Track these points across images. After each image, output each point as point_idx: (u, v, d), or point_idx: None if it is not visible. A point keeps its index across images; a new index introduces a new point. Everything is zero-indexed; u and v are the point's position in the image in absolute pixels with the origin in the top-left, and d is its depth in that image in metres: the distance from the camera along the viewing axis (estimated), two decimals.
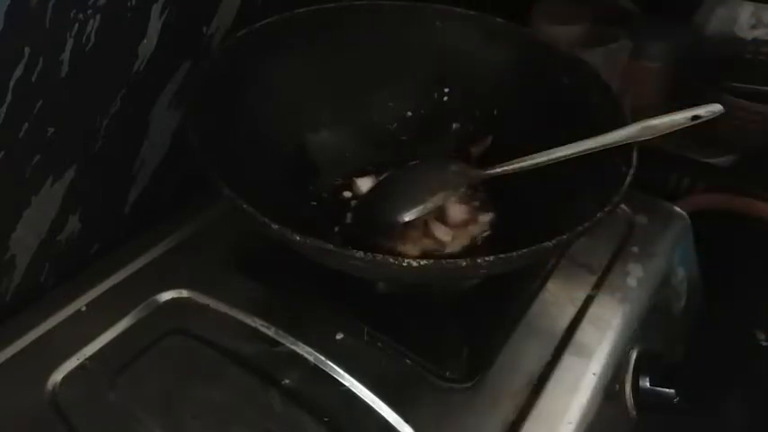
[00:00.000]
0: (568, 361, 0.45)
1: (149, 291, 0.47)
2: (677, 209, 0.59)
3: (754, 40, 0.77)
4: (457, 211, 0.51)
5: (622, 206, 0.56)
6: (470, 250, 0.49)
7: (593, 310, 0.49)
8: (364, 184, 0.53)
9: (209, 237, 0.53)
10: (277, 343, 0.44)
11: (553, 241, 0.36)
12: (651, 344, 0.51)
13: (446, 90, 0.57)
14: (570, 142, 0.44)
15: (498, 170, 0.47)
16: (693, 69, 0.73)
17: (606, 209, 0.38)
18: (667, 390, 0.48)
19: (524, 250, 0.36)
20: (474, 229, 0.51)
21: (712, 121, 0.43)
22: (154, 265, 0.50)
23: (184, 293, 0.48)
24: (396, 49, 0.55)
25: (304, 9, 0.52)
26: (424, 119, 0.57)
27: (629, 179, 0.40)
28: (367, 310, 0.46)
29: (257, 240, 0.48)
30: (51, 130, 0.44)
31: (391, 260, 0.35)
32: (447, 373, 0.44)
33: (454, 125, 0.57)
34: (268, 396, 0.42)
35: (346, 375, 0.42)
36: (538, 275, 0.51)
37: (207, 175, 0.38)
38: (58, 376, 0.42)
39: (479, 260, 0.36)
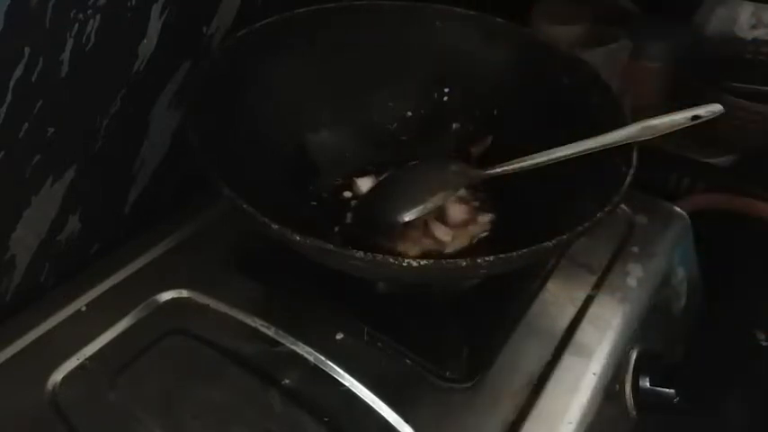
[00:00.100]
0: (568, 361, 0.45)
1: (149, 291, 0.47)
2: (677, 209, 0.59)
3: (754, 40, 0.77)
4: (457, 211, 0.51)
5: (622, 206, 0.56)
6: (470, 250, 0.49)
7: (593, 310, 0.49)
8: (364, 184, 0.53)
9: (209, 237, 0.53)
10: (277, 343, 0.44)
11: (553, 241, 0.36)
12: (651, 344, 0.51)
13: (446, 90, 0.57)
14: (570, 142, 0.44)
15: (498, 170, 0.47)
16: (693, 69, 0.73)
17: (606, 209, 0.38)
18: (667, 390, 0.48)
19: (524, 250, 0.36)
20: (474, 230, 0.51)
21: (712, 121, 0.43)
22: (154, 265, 0.50)
23: (184, 293, 0.48)
24: (396, 49, 0.55)
25: (304, 9, 0.52)
26: (424, 119, 0.57)
27: (629, 179, 0.40)
28: (367, 310, 0.46)
29: (257, 240, 0.48)
30: (51, 130, 0.44)
31: (391, 260, 0.35)
32: (447, 373, 0.43)
33: (454, 125, 0.57)
34: (268, 396, 0.42)
35: (346, 375, 0.42)
36: (538, 275, 0.51)
37: (207, 175, 0.38)
38: (58, 376, 0.42)
39: (479, 260, 0.36)
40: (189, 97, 0.49)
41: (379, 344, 0.45)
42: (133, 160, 0.53)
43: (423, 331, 0.46)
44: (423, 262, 0.35)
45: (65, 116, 0.45)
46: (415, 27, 0.55)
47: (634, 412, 0.48)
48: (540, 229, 0.38)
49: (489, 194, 0.53)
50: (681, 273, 0.57)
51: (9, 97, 0.40)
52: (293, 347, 0.44)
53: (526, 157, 0.45)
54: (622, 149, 0.43)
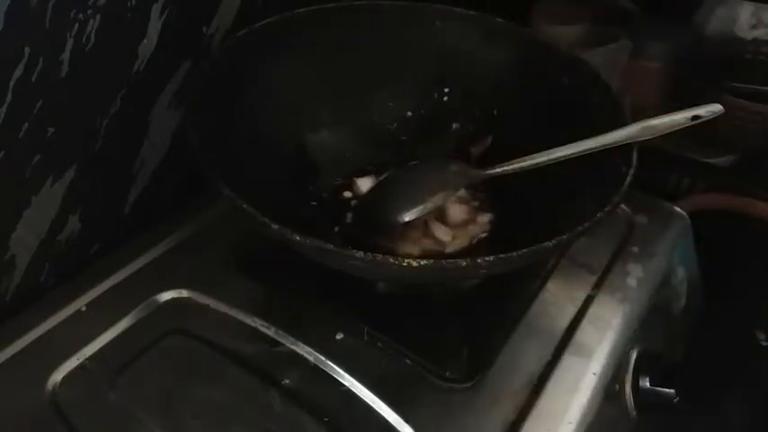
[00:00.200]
0: (568, 361, 0.45)
1: (149, 291, 0.47)
2: (677, 209, 0.59)
3: (754, 40, 0.77)
4: (457, 211, 0.51)
5: (622, 206, 0.56)
6: (470, 250, 0.49)
7: (593, 310, 0.49)
8: (364, 184, 0.53)
9: (209, 237, 0.53)
10: (277, 343, 0.44)
11: (553, 241, 0.36)
12: (651, 344, 0.51)
13: (446, 90, 0.57)
14: (570, 142, 0.44)
15: (498, 170, 0.47)
16: (693, 69, 0.73)
17: (606, 209, 0.38)
18: (667, 390, 0.48)
19: (524, 250, 0.36)
20: (474, 230, 0.51)
21: (712, 121, 0.43)
22: (154, 265, 0.50)
23: (184, 293, 0.48)
24: (396, 49, 0.55)
25: (304, 9, 0.52)
26: (424, 119, 0.57)
27: (629, 179, 0.40)
28: (367, 310, 0.46)
29: (257, 240, 0.48)
30: (51, 130, 0.44)
31: (391, 260, 0.35)
32: (447, 373, 0.44)
33: (454, 125, 0.57)
34: (268, 396, 0.42)
35: (346, 375, 0.43)
36: (538, 275, 0.51)
37: (207, 175, 0.38)
38: (58, 376, 0.42)
39: (479, 260, 0.36)
40: (189, 97, 0.49)
41: (379, 344, 0.45)
42: (133, 160, 0.53)
43: (423, 331, 0.46)
44: (423, 262, 0.35)
45: (65, 116, 0.45)
46: (415, 27, 0.55)
47: (634, 412, 0.48)
48: (540, 229, 0.38)
49: (489, 194, 0.52)
50: (681, 273, 0.57)
51: (9, 97, 0.40)
52: (293, 347, 0.44)
53: (526, 157, 0.45)
54: (622, 149, 0.43)
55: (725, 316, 0.63)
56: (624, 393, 0.48)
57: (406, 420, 0.40)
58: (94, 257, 0.52)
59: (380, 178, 0.52)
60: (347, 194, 0.53)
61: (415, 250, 0.48)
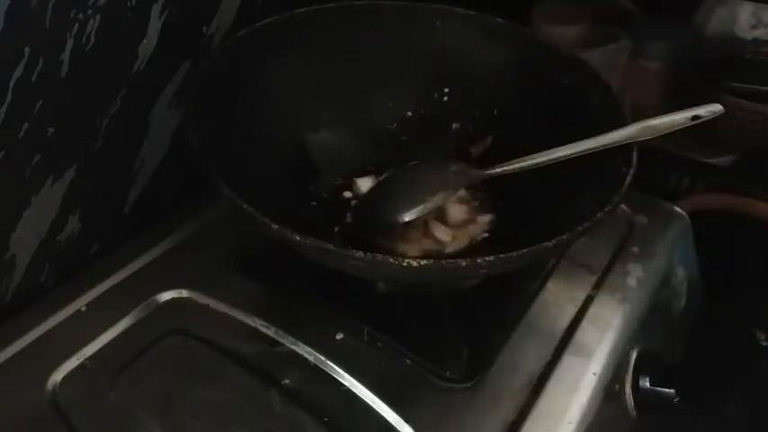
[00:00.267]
0: (568, 361, 0.45)
1: (149, 291, 0.47)
2: (677, 209, 0.59)
3: (754, 40, 0.77)
4: (457, 212, 0.51)
5: (622, 206, 0.56)
6: (470, 250, 0.49)
7: (593, 310, 0.49)
8: (364, 184, 0.53)
9: (209, 237, 0.53)
10: (277, 343, 0.44)
11: (553, 241, 0.36)
12: (651, 344, 0.51)
13: (446, 90, 0.57)
14: (570, 142, 0.44)
15: (498, 170, 0.47)
16: (693, 69, 0.73)
17: (606, 209, 0.38)
18: (667, 390, 0.48)
19: (524, 250, 0.36)
20: (474, 230, 0.51)
21: (712, 121, 0.43)
22: (154, 265, 0.50)
23: (184, 293, 0.48)
24: (396, 49, 0.55)
25: (304, 9, 0.52)
26: (424, 119, 0.57)
27: (629, 179, 0.40)
28: (367, 310, 0.46)
29: (257, 240, 0.48)
30: (51, 130, 0.44)
31: (391, 260, 0.35)
32: (447, 373, 0.44)
33: (454, 125, 0.57)
34: (268, 396, 0.42)
35: (346, 375, 0.43)
36: (538, 275, 0.51)
37: (207, 175, 0.38)
38: (58, 376, 0.42)
39: (479, 260, 0.36)
40: (189, 97, 0.49)
41: (379, 344, 0.45)
42: (133, 160, 0.53)
43: (423, 331, 0.46)
44: (423, 262, 0.35)
45: (65, 116, 0.45)
46: (415, 27, 0.55)
47: (634, 412, 0.48)
48: (540, 229, 0.38)
49: (489, 194, 0.52)
50: (681, 273, 0.57)
51: (9, 97, 0.40)
52: (293, 347, 0.44)
53: (526, 157, 0.45)
54: (622, 149, 0.43)
55: (725, 316, 0.63)
56: (624, 393, 0.48)
57: (406, 420, 0.40)
58: (94, 257, 0.52)
59: (380, 178, 0.52)
60: (347, 194, 0.53)
61: (415, 250, 0.48)
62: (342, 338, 0.45)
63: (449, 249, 0.49)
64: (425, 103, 0.57)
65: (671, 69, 0.76)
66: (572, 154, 0.44)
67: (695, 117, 0.43)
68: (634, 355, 0.48)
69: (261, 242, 0.46)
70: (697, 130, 0.44)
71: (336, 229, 0.51)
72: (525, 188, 0.47)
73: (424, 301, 0.48)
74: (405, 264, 0.35)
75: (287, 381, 0.42)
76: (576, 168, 0.44)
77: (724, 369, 0.55)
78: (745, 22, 0.77)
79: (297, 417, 0.41)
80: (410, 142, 0.57)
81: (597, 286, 0.51)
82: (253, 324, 0.45)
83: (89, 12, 0.43)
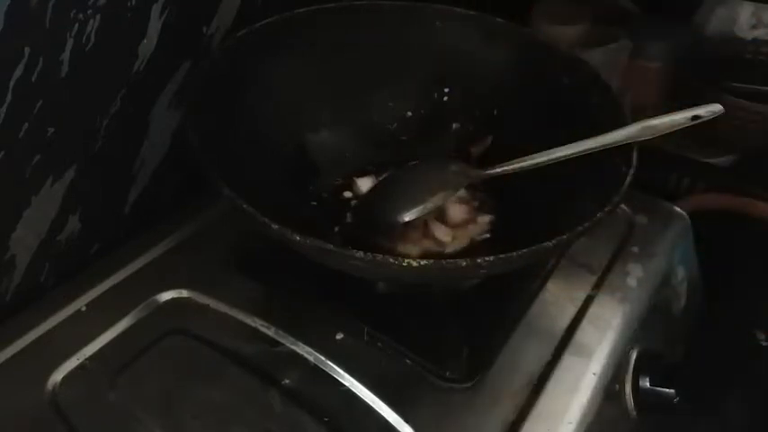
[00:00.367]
0: (568, 361, 0.45)
1: (149, 291, 0.47)
2: (677, 209, 0.59)
3: (754, 40, 0.77)
4: (457, 212, 0.51)
5: (622, 206, 0.56)
6: (470, 250, 0.49)
7: (593, 310, 0.49)
8: (364, 184, 0.53)
9: (209, 237, 0.53)
10: (277, 343, 0.44)
11: (553, 241, 0.36)
12: (651, 344, 0.51)
13: (446, 90, 0.57)
14: (570, 142, 0.44)
15: (498, 170, 0.47)
16: (693, 69, 0.73)
17: (606, 209, 0.38)
18: (667, 390, 0.48)
19: (524, 250, 0.36)
20: (474, 230, 0.51)
21: (712, 121, 0.43)
22: (154, 265, 0.50)
23: (184, 293, 0.48)
24: (396, 49, 0.55)
25: (304, 9, 0.52)
26: (424, 119, 0.57)
27: (629, 179, 0.40)
28: (367, 310, 0.46)
29: (257, 240, 0.48)
30: (51, 130, 0.44)
31: (391, 260, 0.35)
32: (447, 373, 0.44)
33: (454, 125, 0.57)
34: (268, 396, 0.42)
35: (346, 375, 0.43)
36: (538, 275, 0.51)
37: (207, 175, 0.38)
38: (58, 376, 0.42)
39: (479, 260, 0.36)
40: (189, 97, 0.49)
41: (379, 344, 0.45)
42: (133, 160, 0.53)
43: (423, 331, 0.46)
44: (423, 262, 0.35)
45: (65, 116, 0.45)
46: (415, 27, 0.55)
47: (634, 412, 0.48)
48: (540, 229, 0.38)
49: (489, 195, 0.52)
50: (681, 273, 0.57)
51: (9, 97, 0.40)
52: (293, 347, 0.44)
53: (526, 157, 0.45)
54: (622, 149, 0.43)
55: (725, 316, 0.63)
56: (624, 393, 0.48)
57: (406, 420, 0.40)
58: (94, 257, 0.52)
59: (380, 178, 0.52)
60: (347, 194, 0.53)
61: (415, 250, 0.48)
62: (342, 338, 0.45)
63: (449, 249, 0.49)
64: (425, 103, 0.57)
65: (671, 69, 0.76)
66: (572, 154, 0.44)
67: (695, 117, 0.43)
68: (634, 355, 0.48)
69: (261, 242, 0.46)
70: (697, 130, 0.44)
71: (336, 229, 0.51)
72: (525, 188, 0.47)
73: (424, 301, 0.48)
74: (405, 264, 0.35)
75: (287, 381, 0.42)
76: (576, 168, 0.44)
77: (724, 369, 0.55)
78: (745, 22, 0.77)
79: (297, 417, 0.41)
80: (410, 142, 0.57)
81: (597, 286, 0.51)
82: (253, 324, 0.45)
83: (89, 12, 0.43)
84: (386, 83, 0.56)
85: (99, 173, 0.50)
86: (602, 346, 0.47)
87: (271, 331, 0.45)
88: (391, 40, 0.55)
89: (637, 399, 0.48)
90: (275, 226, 0.36)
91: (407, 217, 0.46)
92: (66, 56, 0.43)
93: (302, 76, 0.52)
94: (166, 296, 0.47)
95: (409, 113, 0.57)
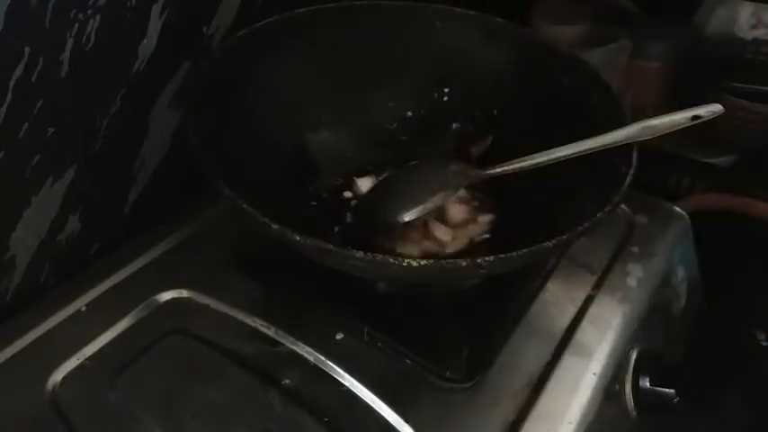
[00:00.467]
0: (568, 361, 0.45)
1: (149, 291, 0.47)
2: (677, 209, 0.59)
3: (754, 40, 0.77)
4: (457, 212, 0.51)
5: (622, 206, 0.56)
6: (470, 251, 0.49)
7: (593, 310, 0.49)
8: (364, 184, 0.53)
9: (209, 237, 0.53)
10: (277, 343, 0.44)
11: (553, 241, 0.36)
12: (651, 344, 0.51)
13: (446, 90, 0.57)
14: (570, 142, 0.44)
15: (498, 170, 0.47)
16: (693, 69, 0.73)
17: (606, 209, 0.38)
18: (667, 390, 0.48)
19: (524, 250, 0.36)
20: (474, 230, 0.51)
21: (712, 121, 0.43)
22: (154, 265, 0.50)
23: (184, 293, 0.48)
24: (396, 49, 0.55)
25: (304, 9, 0.52)
26: (424, 119, 0.57)
27: (629, 179, 0.40)
28: (367, 310, 0.46)
29: (257, 240, 0.48)
30: (51, 130, 0.44)
31: (391, 260, 0.35)
32: (447, 373, 0.44)
33: (454, 125, 0.57)
34: (268, 396, 0.42)
35: (346, 375, 0.43)
36: (538, 275, 0.51)
37: (207, 175, 0.38)
38: (58, 376, 0.42)
39: (479, 260, 0.36)
40: (189, 97, 0.49)
41: (379, 344, 0.45)
42: (133, 160, 0.53)
43: (423, 331, 0.46)
44: (423, 262, 0.35)
45: (65, 116, 0.45)
46: (415, 27, 0.55)
47: (634, 412, 0.48)
48: (540, 229, 0.38)
49: (489, 194, 0.52)
50: (681, 273, 0.57)
51: (9, 97, 0.40)
52: (293, 347, 0.44)
53: (526, 157, 0.45)
54: (622, 149, 0.43)
55: (725, 316, 0.63)
56: (624, 393, 0.48)
57: (406, 420, 0.40)
58: (94, 257, 0.52)
59: (380, 178, 0.52)
60: (347, 194, 0.53)
61: (414, 250, 0.48)
62: (342, 338, 0.45)
63: (449, 249, 0.49)
64: (425, 103, 0.57)
65: (671, 69, 0.76)
66: (572, 154, 0.44)
67: (695, 117, 0.43)
68: (634, 355, 0.48)
69: (261, 242, 0.46)
70: (697, 130, 0.44)
71: (336, 229, 0.51)
72: (525, 188, 0.47)
73: (424, 301, 0.48)
74: (405, 264, 0.35)
75: (287, 381, 0.42)
76: (576, 168, 0.44)
77: (724, 369, 0.55)
78: (745, 22, 0.77)
79: (297, 417, 0.41)
80: (410, 142, 0.57)
81: (597, 286, 0.51)
82: (253, 324, 0.45)
83: (89, 12, 0.43)
84: (386, 83, 0.56)
85: (99, 173, 0.50)
86: (602, 346, 0.47)
87: (271, 331, 0.45)
88: (391, 40, 0.55)
89: (637, 399, 0.48)
90: (275, 226, 0.36)
91: (407, 217, 0.46)
92: (66, 56, 0.43)
93: (302, 76, 0.52)
94: (166, 296, 0.47)
95: (409, 113, 0.57)
